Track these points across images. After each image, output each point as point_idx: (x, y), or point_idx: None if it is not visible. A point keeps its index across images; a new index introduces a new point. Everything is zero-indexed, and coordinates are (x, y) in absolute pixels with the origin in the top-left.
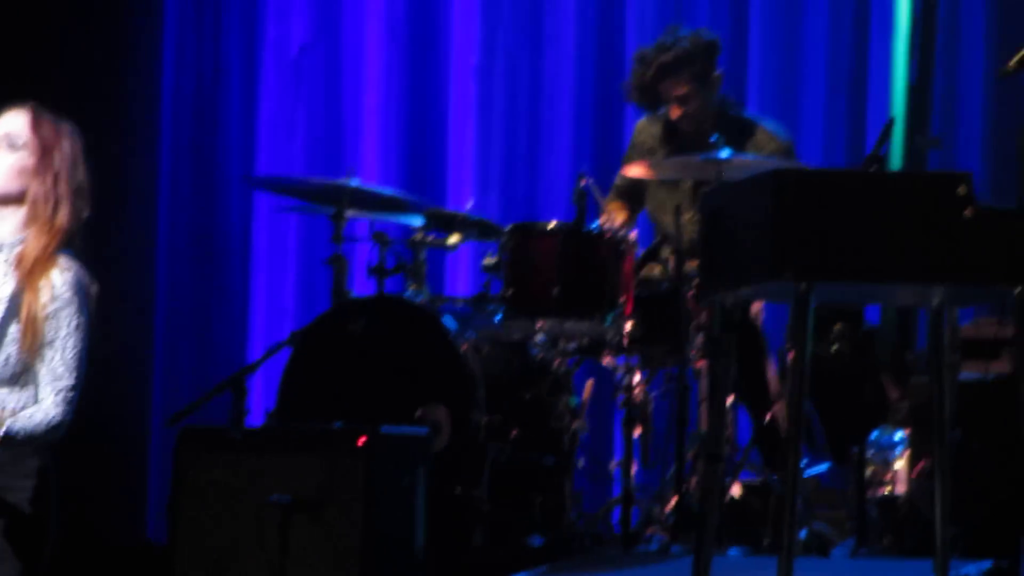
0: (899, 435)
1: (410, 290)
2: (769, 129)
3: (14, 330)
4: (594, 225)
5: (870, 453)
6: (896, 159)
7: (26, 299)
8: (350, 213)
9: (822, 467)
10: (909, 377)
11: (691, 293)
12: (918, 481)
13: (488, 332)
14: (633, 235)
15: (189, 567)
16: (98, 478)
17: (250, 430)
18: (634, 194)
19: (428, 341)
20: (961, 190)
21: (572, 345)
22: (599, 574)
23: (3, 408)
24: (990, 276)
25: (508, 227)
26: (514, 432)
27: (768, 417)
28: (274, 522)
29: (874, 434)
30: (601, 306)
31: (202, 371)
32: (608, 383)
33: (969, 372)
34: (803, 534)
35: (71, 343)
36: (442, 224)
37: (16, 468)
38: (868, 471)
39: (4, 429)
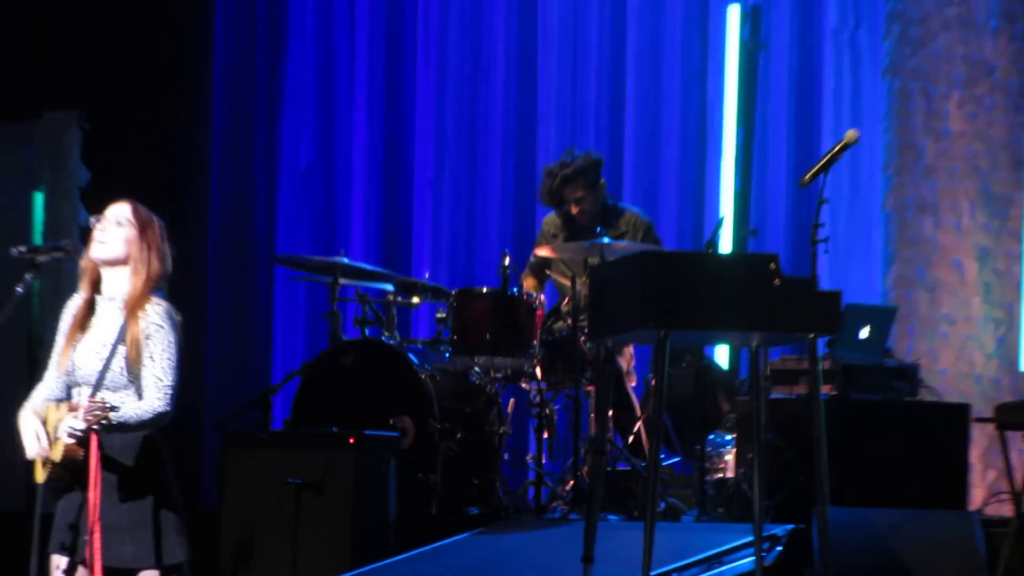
0: (729, 437)
1: (384, 335)
2: (637, 212)
3: (122, 351)
4: (514, 290)
5: (708, 449)
6: (726, 244)
7: (130, 328)
8: (342, 281)
9: (675, 459)
10: (736, 396)
11: (583, 338)
12: (742, 469)
13: (440, 365)
14: (543, 298)
15: (232, 526)
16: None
17: (273, 432)
18: (542, 268)
19: (398, 371)
20: (771, 266)
21: (499, 374)
22: (519, 533)
23: (106, 403)
24: (791, 327)
25: (454, 291)
26: (459, 435)
27: (636, 427)
28: (290, 497)
29: (711, 436)
30: (520, 347)
31: (239, 391)
32: (525, 400)
33: (777, 393)
34: (661, 506)
35: (166, 356)
36: (407, 289)
37: (137, 448)
38: (707, 462)
39: (118, 418)
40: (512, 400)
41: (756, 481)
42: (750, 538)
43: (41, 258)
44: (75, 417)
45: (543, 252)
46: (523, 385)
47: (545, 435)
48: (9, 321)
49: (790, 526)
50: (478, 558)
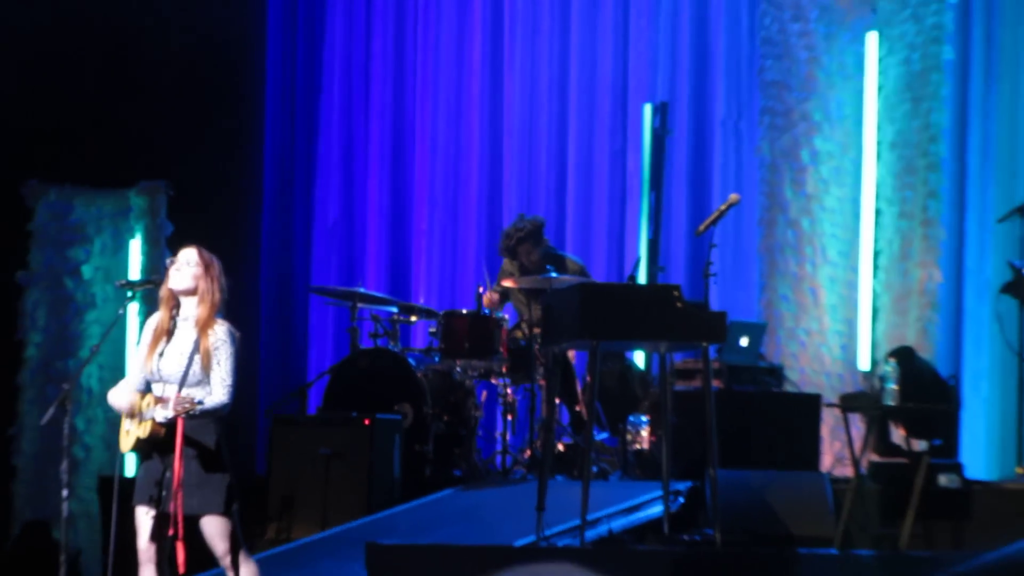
0: (644, 418)
1: (391, 345)
2: (573, 258)
3: (197, 359)
4: (486, 311)
5: (629, 427)
6: (642, 277)
7: (202, 342)
8: (359, 305)
9: (605, 435)
10: (649, 388)
11: (537, 346)
12: (654, 442)
13: (431, 366)
14: (506, 317)
15: (278, 485)
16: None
17: (309, 416)
18: (503, 296)
19: (400, 371)
20: (675, 293)
21: (475, 373)
22: (489, 489)
23: (192, 398)
24: (689, 338)
25: (442, 312)
26: (445, 417)
27: (577, 409)
28: (321, 463)
29: (631, 418)
30: (490, 353)
31: (283, 386)
32: (494, 392)
33: (680, 386)
34: (595, 469)
35: (229, 362)
36: (407, 311)
37: (204, 429)
38: (628, 437)
39: (200, 407)
40: (484, 392)
41: (664, 451)
42: (660, 493)
43: (137, 289)
44: (164, 407)
45: (507, 283)
46: (492, 380)
47: (509, 417)
48: (113, 334)
49: (689, 483)
50: (460, 507)
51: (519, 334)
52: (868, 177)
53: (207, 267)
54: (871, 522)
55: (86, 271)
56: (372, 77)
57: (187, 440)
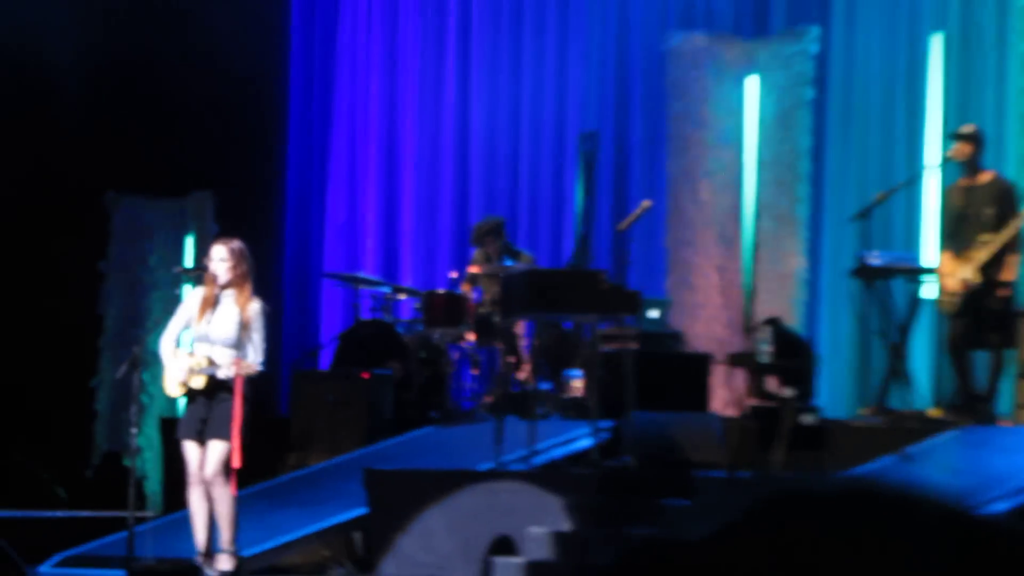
0: (578, 372)
1: (385, 316)
2: (527, 252)
3: (238, 328)
4: (457, 291)
5: (566, 379)
6: (580, 265)
7: (243, 314)
8: (361, 286)
9: (547, 385)
10: (582, 349)
11: (498, 318)
12: (585, 391)
13: (416, 333)
14: (473, 294)
15: (298, 424)
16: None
17: (321, 371)
18: (474, 279)
19: (392, 337)
20: (602, 276)
21: (449, 338)
22: (460, 427)
23: (245, 360)
24: (612, 311)
25: (424, 292)
26: (426, 372)
27: (529, 365)
28: (330, 407)
29: (568, 371)
30: (461, 322)
31: (301, 347)
32: (464, 352)
33: (605, 348)
34: (539, 411)
35: (261, 333)
36: (398, 291)
37: (234, 381)
38: (565, 386)
39: (255, 368)
40: (456, 352)
41: (593, 396)
42: (589, 429)
43: (191, 275)
44: (221, 366)
45: (475, 269)
46: (462, 344)
47: (474, 372)
48: (171, 308)
49: (612, 422)
50: (436, 440)
51: (483, 308)
52: (748, 188)
53: (236, 259)
54: (750, 451)
55: (152, 261)
56: (371, 107)
57: (223, 386)
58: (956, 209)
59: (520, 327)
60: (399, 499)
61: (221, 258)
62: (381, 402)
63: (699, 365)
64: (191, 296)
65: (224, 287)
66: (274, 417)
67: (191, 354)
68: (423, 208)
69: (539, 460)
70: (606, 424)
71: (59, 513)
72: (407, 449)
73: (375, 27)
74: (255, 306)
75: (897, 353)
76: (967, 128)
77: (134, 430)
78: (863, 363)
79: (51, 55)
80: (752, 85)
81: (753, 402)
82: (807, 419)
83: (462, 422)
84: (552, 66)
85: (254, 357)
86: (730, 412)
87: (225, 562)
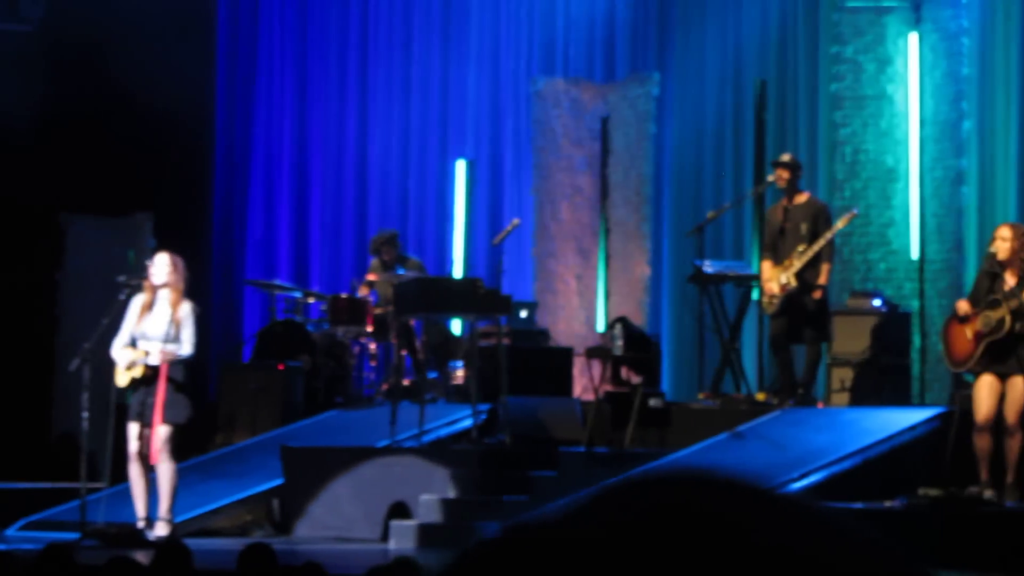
0: (460, 363)
1: (296, 317)
2: (414, 258)
3: (171, 325)
4: (357, 295)
5: (450, 369)
6: (458, 272)
7: (173, 314)
8: (277, 291)
9: (434, 374)
10: (462, 344)
11: (392, 318)
12: (466, 379)
13: (323, 331)
14: (371, 298)
15: (224, 408)
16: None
17: (244, 363)
18: (371, 284)
19: (303, 334)
20: (479, 283)
21: (351, 335)
22: (360, 411)
23: (168, 349)
24: (488, 311)
25: (329, 296)
26: (331, 363)
27: (416, 357)
28: (251, 394)
29: (451, 362)
30: (361, 321)
31: (226, 342)
32: (364, 347)
33: (483, 343)
34: (428, 396)
35: (191, 329)
36: (307, 295)
37: (175, 370)
38: (449, 375)
39: (178, 355)
40: (357, 347)
41: (473, 384)
42: (470, 412)
43: (133, 283)
44: (151, 355)
45: (372, 276)
46: (362, 340)
47: (372, 363)
48: (117, 314)
49: (489, 406)
50: (341, 422)
51: (379, 309)
52: (602, 208)
53: (175, 266)
54: (605, 430)
55: (99, 271)
56: (284, 137)
57: (159, 374)
58: (776, 225)
59: (411, 325)
60: (310, 471)
61: (163, 264)
62: (294, 390)
63: (562, 357)
64: (133, 303)
65: (160, 287)
66: (204, 402)
67: (134, 349)
68: (328, 223)
69: (428, 438)
70: (484, 407)
71: (22, 484)
72: (316, 429)
73: (287, 68)
74: (186, 307)
75: (729, 347)
76: (785, 157)
77: (85, 414)
78: (700, 355)
79: (3, 98)
80: (604, 122)
81: (608, 388)
82: (654, 402)
83: (362, 406)
84: (436, 102)
85: (186, 349)
86: (588, 397)
87: (162, 528)
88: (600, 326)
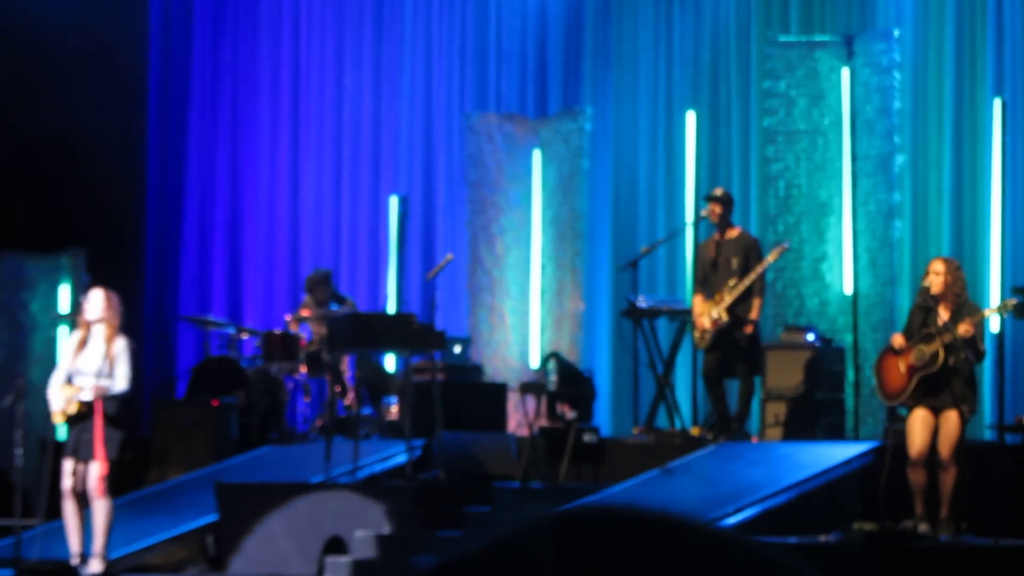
0: (394, 398)
1: (230, 352)
2: (349, 297)
3: (105, 361)
4: (290, 332)
5: (384, 404)
6: (391, 308)
7: (108, 348)
8: (210, 328)
9: (368, 409)
10: (396, 380)
11: (326, 354)
12: (400, 414)
13: (257, 367)
14: (303, 334)
15: (159, 444)
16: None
17: (177, 399)
18: (302, 320)
19: (237, 370)
20: (412, 318)
21: (284, 370)
22: (294, 446)
23: (102, 385)
24: (422, 347)
25: (262, 332)
26: (265, 399)
27: (349, 394)
28: (185, 429)
29: (385, 398)
30: (294, 357)
31: (160, 378)
32: (297, 383)
33: (417, 378)
34: (362, 432)
35: (126, 364)
36: (241, 331)
37: (110, 405)
38: (383, 411)
39: (111, 391)
40: (290, 383)
41: (407, 420)
42: (404, 447)
43: (66, 319)
44: (85, 391)
45: (306, 313)
46: (295, 376)
47: (306, 399)
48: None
49: (423, 441)
50: (275, 457)
51: (313, 346)
52: (536, 243)
53: (109, 301)
54: (540, 465)
55: (33, 307)
56: (217, 176)
57: (100, 412)
58: (708, 259)
59: (345, 362)
60: (245, 507)
61: (97, 299)
62: (228, 425)
63: (496, 392)
64: (68, 341)
65: (95, 323)
66: (138, 438)
67: (69, 386)
68: (262, 259)
69: (362, 474)
70: (418, 443)
71: None
72: (251, 465)
73: (220, 105)
74: (121, 342)
75: (663, 381)
76: (718, 191)
77: (19, 450)
78: (635, 390)
79: None
80: (537, 157)
81: (543, 423)
82: (588, 438)
83: (297, 442)
84: (368, 138)
85: (120, 384)
86: (523, 432)
87: (96, 564)
88: (535, 361)
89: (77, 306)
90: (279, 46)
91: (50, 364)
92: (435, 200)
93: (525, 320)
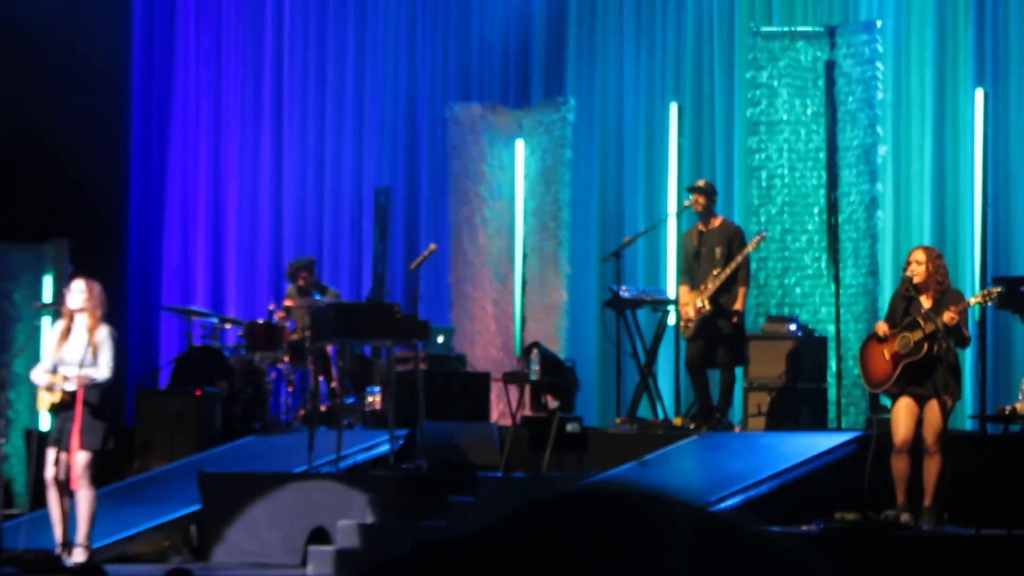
0: (377, 388)
1: (213, 342)
2: (332, 287)
3: (88, 350)
4: (274, 320)
5: (367, 394)
6: (377, 299)
7: (91, 337)
8: (194, 318)
9: (352, 399)
10: (380, 369)
11: (309, 344)
12: (383, 404)
13: (240, 357)
14: (288, 323)
15: (142, 434)
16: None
17: (161, 389)
18: (288, 310)
19: (220, 360)
20: (396, 308)
21: (267, 360)
22: (278, 436)
23: (85, 374)
24: (405, 337)
25: (246, 322)
26: (249, 389)
27: (332, 383)
28: (169, 419)
29: (368, 388)
30: (277, 347)
31: (143, 368)
32: (280, 373)
33: (400, 368)
34: (345, 422)
35: (109, 353)
36: (224, 321)
37: (93, 394)
38: (366, 400)
39: (93, 381)
40: (273, 373)
41: (390, 409)
42: (387, 437)
43: (49, 308)
44: (69, 380)
45: (289, 302)
46: (279, 365)
47: (289, 389)
48: (33, 336)
49: (406, 431)
50: (258, 447)
51: (296, 335)
52: (519, 233)
53: (91, 291)
54: (522, 455)
55: (16, 297)
56: (200, 165)
57: (83, 400)
58: (692, 249)
59: (327, 351)
60: (228, 497)
61: (79, 289)
62: (211, 415)
63: (479, 382)
64: (52, 331)
65: (77, 312)
66: (121, 428)
67: (53, 375)
68: (244, 250)
69: (345, 464)
70: (401, 433)
71: None
72: (234, 455)
73: (203, 95)
74: (103, 331)
75: (646, 371)
76: (701, 182)
77: (2, 440)
78: (618, 380)
79: None
80: (520, 147)
81: (526, 413)
82: (571, 427)
83: (280, 432)
84: (351, 129)
85: (103, 373)
86: (505, 422)
87: (80, 554)
88: (517, 351)
89: (60, 296)
90: (262, 36)
91: (34, 354)
92: (418, 191)
93: (508, 310)
